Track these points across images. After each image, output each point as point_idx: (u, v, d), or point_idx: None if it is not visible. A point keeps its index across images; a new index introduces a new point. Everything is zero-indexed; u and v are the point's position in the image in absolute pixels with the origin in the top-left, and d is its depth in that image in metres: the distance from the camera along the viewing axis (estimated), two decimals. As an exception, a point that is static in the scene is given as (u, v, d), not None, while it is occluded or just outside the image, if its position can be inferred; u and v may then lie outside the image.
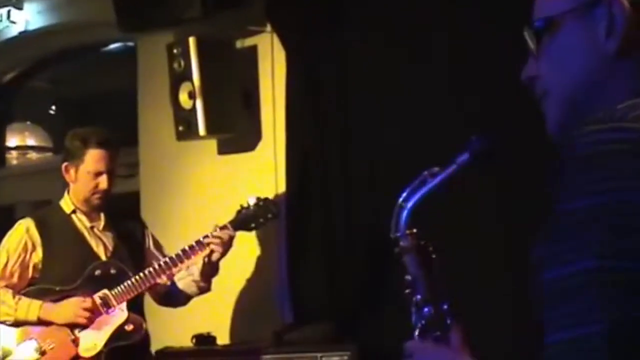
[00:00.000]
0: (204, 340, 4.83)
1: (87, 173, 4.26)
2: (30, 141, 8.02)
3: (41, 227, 4.30)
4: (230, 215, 5.34)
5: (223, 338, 5.03)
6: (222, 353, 4.76)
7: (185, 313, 4.64)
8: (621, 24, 1.34)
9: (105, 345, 4.17)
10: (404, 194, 1.82)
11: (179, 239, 4.60)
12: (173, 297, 4.46)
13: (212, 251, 4.25)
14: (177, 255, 4.24)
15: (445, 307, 1.75)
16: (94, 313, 4.17)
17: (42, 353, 4.17)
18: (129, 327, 4.21)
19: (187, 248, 4.24)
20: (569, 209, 1.21)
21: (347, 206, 4.90)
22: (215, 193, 5.46)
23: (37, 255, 4.27)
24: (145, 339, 4.32)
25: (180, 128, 5.20)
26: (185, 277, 4.38)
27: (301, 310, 4.99)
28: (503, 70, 3.10)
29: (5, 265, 4.25)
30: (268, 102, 5.28)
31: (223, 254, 4.28)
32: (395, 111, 4.75)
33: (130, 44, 6.72)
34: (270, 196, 5.06)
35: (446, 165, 1.83)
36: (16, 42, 6.85)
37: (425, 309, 1.74)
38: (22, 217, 7.15)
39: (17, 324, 4.19)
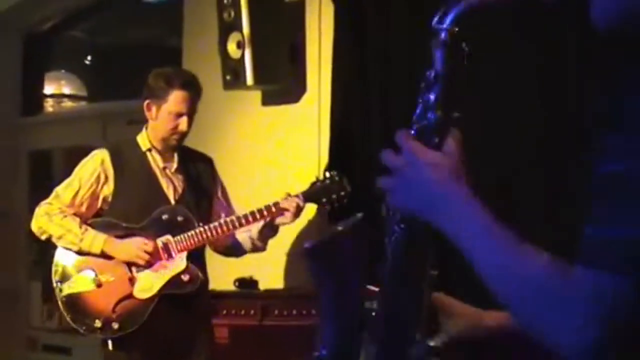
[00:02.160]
0: (247, 284, 4.93)
1: (168, 113, 4.24)
2: (66, 89, 8.12)
3: (116, 160, 4.30)
4: (271, 165, 5.47)
5: (264, 283, 5.13)
6: (264, 297, 4.85)
7: (227, 258, 4.72)
8: None
9: (160, 290, 4.20)
10: None
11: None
12: (234, 250, 4.47)
13: (274, 217, 4.26)
14: (245, 215, 4.23)
15: (456, 115, 1.58)
16: (154, 256, 4.21)
17: (99, 285, 4.22)
18: (185, 277, 4.23)
19: (256, 211, 4.24)
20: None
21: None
22: (258, 144, 5.55)
23: (109, 188, 4.28)
24: (201, 288, 4.32)
25: (228, 77, 5.29)
26: (243, 232, 4.39)
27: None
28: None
29: (76, 193, 4.27)
30: (314, 56, 5.36)
31: (288, 222, 4.30)
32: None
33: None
34: (313, 150, 5.17)
35: None
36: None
37: (431, 113, 1.56)
38: (58, 162, 7.40)
39: (80, 252, 4.23)
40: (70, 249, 4.25)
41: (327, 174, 4.40)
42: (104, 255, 4.22)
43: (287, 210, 4.23)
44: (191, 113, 4.28)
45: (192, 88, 4.29)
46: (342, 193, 4.35)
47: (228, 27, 5.25)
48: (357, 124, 5.12)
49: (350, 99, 5.16)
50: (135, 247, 4.19)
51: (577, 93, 4.18)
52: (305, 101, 5.40)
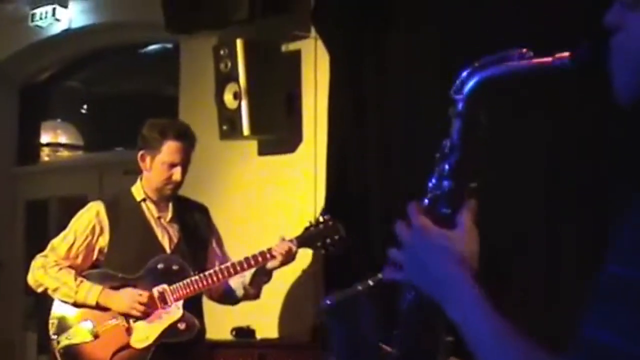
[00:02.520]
0: (244, 333, 4.94)
1: (162, 164, 4.28)
2: (62, 139, 8.16)
3: (111, 212, 4.34)
4: (267, 214, 5.49)
5: (261, 332, 5.14)
6: (262, 346, 4.86)
7: (224, 307, 4.73)
8: None
9: (156, 339, 4.21)
10: (483, 60, 1.60)
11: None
12: (228, 297, 4.49)
13: (266, 261, 4.28)
14: (240, 262, 4.26)
15: (472, 185, 1.58)
16: (149, 307, 4.22)
17: (96, 336, 4.23)
18: (182, 326, 4.24)
19: (250, 257, 4.26)
20: None
21: (386, 212, 5.01)
22: (255, 194, 5.58)
23: (104, 239, 4.32)
24: (198, 336, 4.33)
25: (225, 127, 5.33)
26: (236, 279, 4.40)
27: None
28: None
29: (72, 246, 4.30)
30: (310, 106, 5.42)
31: (280, 266, 4.31)
32: (437, 117, 4.85)
33: (169, 45, 6.87)
34: (309, 200, 5.19)
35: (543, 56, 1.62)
36: (58, 39, 6.97)
37: (446, 182, 1.57)
38: (54, 212, 7.41)
39: (76, 305, 4.26)
40: (66, 302, 4.27)
41: (321, 218, 4.41)
42: (100, 307, 4.23)
43: (279, 254, 4.25)
44: (185, 163, 4.32)
45: (186, 139, 4.32)
46: (336, 237, 4.37)
47: (224, 77, 5.31)
48: (354, 174, 5.15)
49: (346, 149, 5.19)
50: (129, 298, 4.20)
51: (592, 167, 4.21)
52: (302, 151, 5.44)
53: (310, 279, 5.25)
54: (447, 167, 1.59)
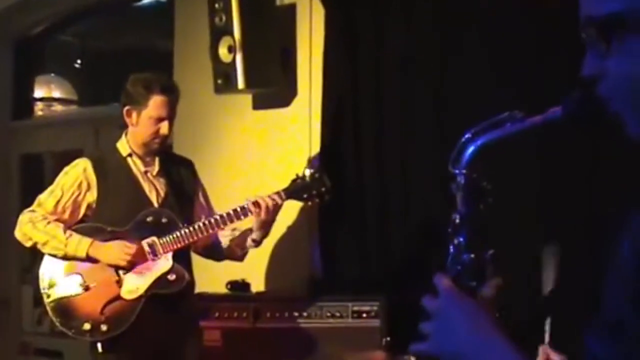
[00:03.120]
0: (239, 286, 4.96)
1: (149, 118, 4.31)
2: (56, 93, 8.13)
3: (98, 168, 4.37)
4: (262, 168, 5.50)
5: (256, 286, 5.16)
6: (257, 299, 4.88)
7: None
8: None
9: (147, 290, 4.26)
10: (475, 129, 1.62)
11: (210, 192, 4.68)
12: (215, 252, 4.54)
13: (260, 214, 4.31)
14: (228, 214, 4.30)
15: (489, 254, 1.61)
16: (137, 259, 4.26)
17: (86, 288, 4.28)
18: (172, 277, 4.29)
19: (238, 208, 4.30)
20: None
21: (380, 165, 5.02)
22: (248, 148, 5.58)
23: (92, 195, 4.35)
24: (187, 289, 4.39)
25: (219, 81, 5.31)
26: (226, 233, 4.47)
27: (331, 264, 5.13)
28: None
29: (59, 200, 4.33)
30: (305, 60, 5.39)
31: (263, 218, 4.31)
32: (430, 73, 4.86)
33: (163, 0, 6.83)
34: (304, 154, 5.20)
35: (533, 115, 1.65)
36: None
37: (465, 255, 1.59)
38: (50, 166, 7.41)
39: (66, 258, 4.29)
40: (55, 255, 4.30)
41: (308, 172, 4.45)
42: (90, 259, 4.26)
43: (264, 203, 4.28)
44: (171, 117, 4.36)
45: (172, 92, 4.36)
46: (323, 189, 4.43)
47: (219, 31, 5.27)
48: (348, 128, 5.15)
49: (341, 103, 5.18)
50: (118, 249, 4.24)
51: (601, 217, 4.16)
52: (296, 105, 5.43)
53: (305, 231, 5.26)
54: (462, 240, 1.61)
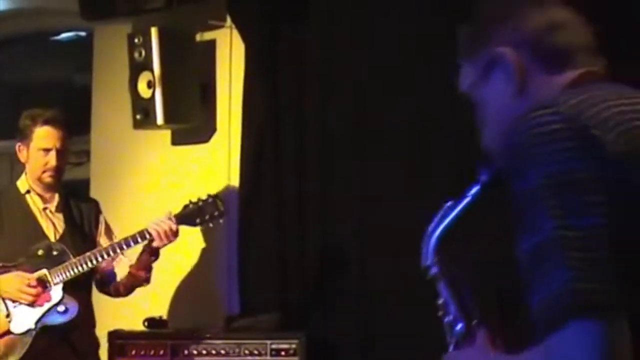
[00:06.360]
0: (156, 323, 4.91)
1: (37, 150, 4.35)
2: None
3: None
4: (181, 204, 5.45)
5: (174, 323, 5.11)
6: (174, 336, 4.83)
7: (136, 297, 4.70)
8: (513, 72, 1.68)
9: (36, 323, 4.22)
10: (432, 225, 1.93)
11: (127, 228, 4.59)
12: (107, 281, 4.48)
13: (151, 240, 4.29)
14: (118, 242, 4.30)
15: (475, 322, 1.87)
16: (38, 291, 4.22)
17: None
18: (61, 308, 4.25)
19: (129, 237, 4.30)
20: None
21: (299, 201, 5.03)
22: (167, 184, 5.54)
23: None
24: (81, 321, 4.34)
25: (138, 116, 5.28)
26: (123, 263, 4.45)
27: (249, 300, 5.11)
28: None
29: None
30: (224, 96, 5.39)
31: (163, 245, 4.31)
32: (351, 108, 4.90)
33: (82, 33, 6.76)
34: (222, 188, 5.18)
35: (460, 197, 1.96)
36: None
37: (458, 327, 1.87)
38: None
39: None
40: None
41: (202, 197, 4.45)
42: None
43: (160, 229, 4.27)
44: (60, 149, 4.38)
45: (56, 123, 4.39)
46: (216, 213, 4.43)
47: (139, 66, 5.25)
48: (268, 165, 5.15)
49: (261, 140, 5.18)
50: (17, 282, 4.21)
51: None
52: (216, 140, 5.42)
53: (223, 267, 5.24)
54: (451, 317, 1.90)
